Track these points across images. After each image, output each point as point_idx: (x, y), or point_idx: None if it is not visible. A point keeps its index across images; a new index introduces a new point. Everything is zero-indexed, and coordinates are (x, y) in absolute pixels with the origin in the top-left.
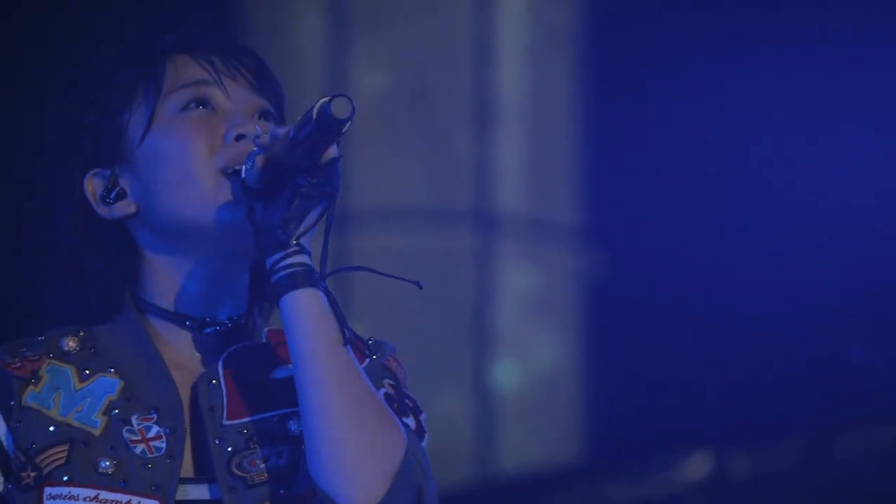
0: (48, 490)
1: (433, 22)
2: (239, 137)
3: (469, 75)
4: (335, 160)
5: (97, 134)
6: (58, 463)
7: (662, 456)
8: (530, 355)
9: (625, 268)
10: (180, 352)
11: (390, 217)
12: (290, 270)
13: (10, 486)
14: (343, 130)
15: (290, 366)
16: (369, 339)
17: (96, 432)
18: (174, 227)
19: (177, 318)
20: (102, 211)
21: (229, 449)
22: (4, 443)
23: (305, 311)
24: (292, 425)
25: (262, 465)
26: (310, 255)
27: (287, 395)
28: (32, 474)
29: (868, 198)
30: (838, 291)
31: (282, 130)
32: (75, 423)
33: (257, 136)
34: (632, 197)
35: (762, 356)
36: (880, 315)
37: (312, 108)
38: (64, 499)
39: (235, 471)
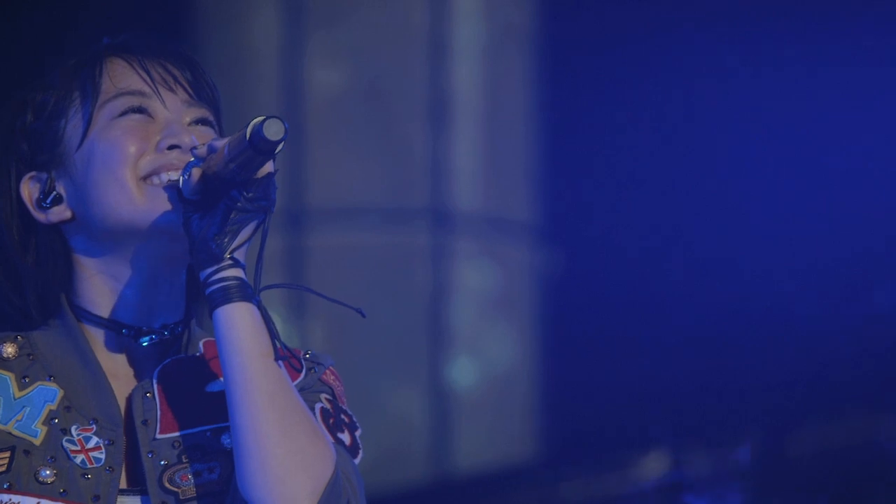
0: None
1: (389, 19)
2: (172, 147)
3: (425, 73)
4: (271, 175)
5: (34, 137)
6: (0, 469)
7: (618, 454)
8: (487, 353)
9: (581, 266)
10: (116, 360)
11: (346, 215)
12: (222, 284)
13: None
14: (276, 151)
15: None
16: (306, 353)
17: (37, 441)
18: (107, 230)
19: (113, 325)
20: (39, 216)
21: (162, 463)
22: None
23: (237, 326)
24: (225, 439)
25: (194, 480)
26: (244, 269)
27: (221, 408)
28: None
29: (835, 191)
30: (795, 289)
31: (219, 143)
32: (16, 433)
33: (195, 148)
34: (588, 194)
35: (719, 354)
36: (833, 314)
37: (246, 127)
38: None
39: (167, 485)
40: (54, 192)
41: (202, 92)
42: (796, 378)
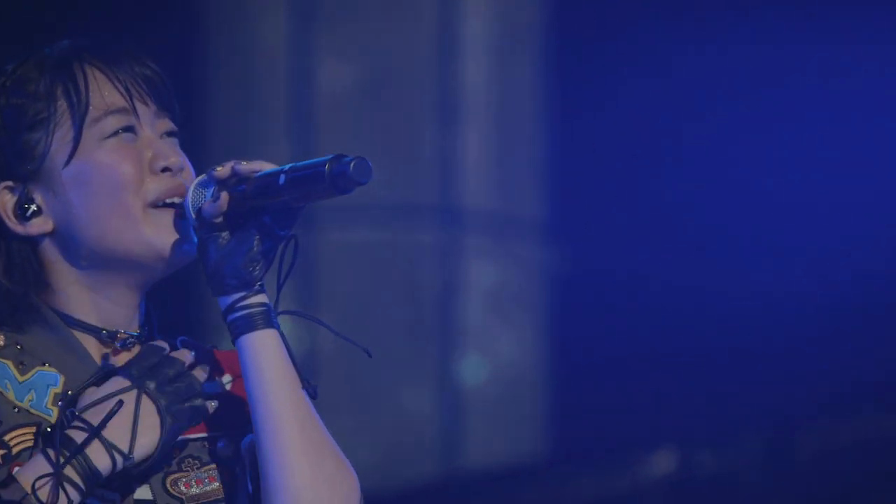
0: (17, 469)
1: (398, 17)
2: (164, 169)
3: (434, 70)
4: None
5: (6, 145)
6: (26, 444)
7: (627, 452)
8: (496, 350)
9: (590, 263)
10: (101, 360)
11: (355, 212)
12: (248, 311)
13: None
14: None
15: (215, 381)
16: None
17: (52, 420)
18: (99, 252)
19: (92, 328)
20: (17, 228)
21: (163, 468)
22: None
23: (265, 354)
24: (220, 445)
25: (196, 489)
26: (266, 294)
27: (216, 417)
28: (1, 452)
29: (834, 191)
30: (802, 288)
31: (244, 168)
32: (34, 411)
33: (214, 169)
34: (597, 192)
35: (728, 352)
36: (839, 313)
37: (323, 165)
38: None
39: (171, 490)
40: (33, 206)
41: (166, 100)
42: (805, 375)
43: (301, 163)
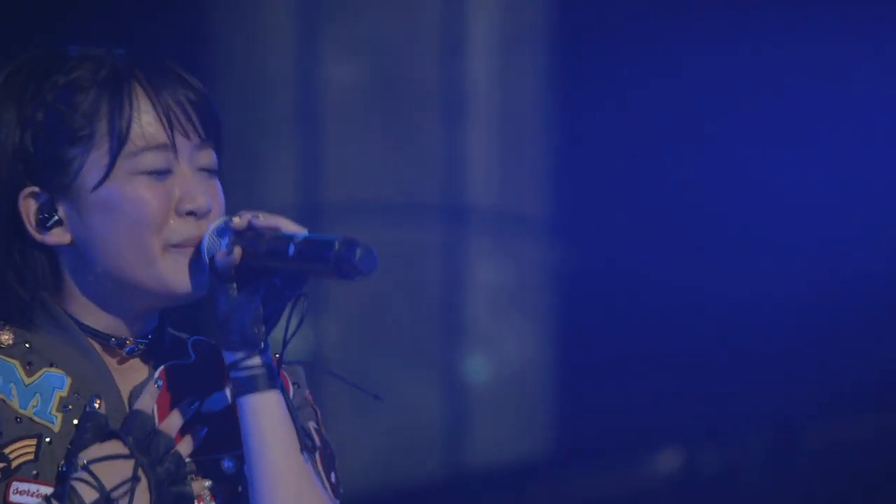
0: (16, 484)
1: (403, 14)
2: (190, 213)
3: (439, 68)
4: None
5: (41, 148)
6: (27, 458)
7: (632, 450)
8: (500, 349)
9: (595, 262)
10: (109, 365)
11: (359, 210)
12: (251, 372)
13: None
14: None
15: (223, 392)
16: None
17: (55, 429)
18: (116, 280)
19: (101, 335)
20: (36, 235)
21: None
22: None
23: (265, 416)
24: (226, 464)
25: None
26: (269, 349)
27: (222, 435)
28: (1, 466)
29: (834, 191)
30: (806, 287)
31: (261, 224)
32: (37, 419)
33: (230, 219)
34: (602, 190)
35: (732, 350)
36: (839, 313)
37: (331, 246)
38: (31, 495)
39: None
40: (56, 217)
41: (209, 128)
42: (805, 375)
43: (315, 235)
